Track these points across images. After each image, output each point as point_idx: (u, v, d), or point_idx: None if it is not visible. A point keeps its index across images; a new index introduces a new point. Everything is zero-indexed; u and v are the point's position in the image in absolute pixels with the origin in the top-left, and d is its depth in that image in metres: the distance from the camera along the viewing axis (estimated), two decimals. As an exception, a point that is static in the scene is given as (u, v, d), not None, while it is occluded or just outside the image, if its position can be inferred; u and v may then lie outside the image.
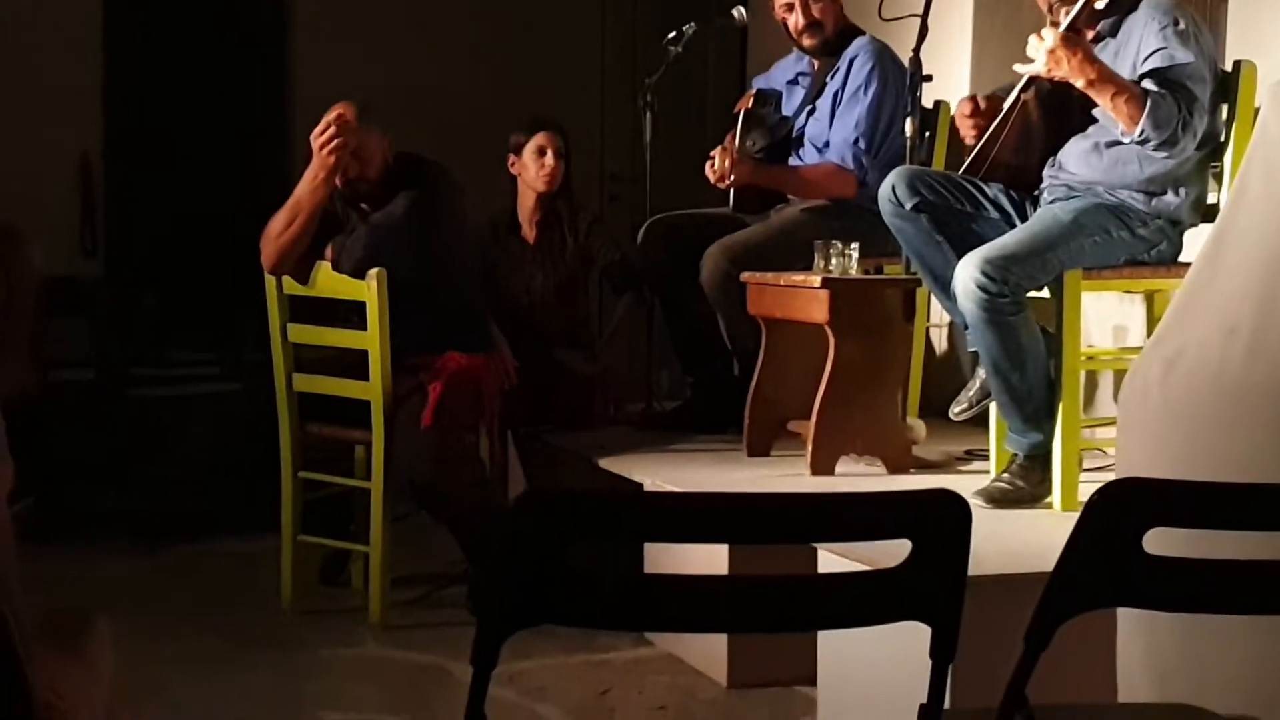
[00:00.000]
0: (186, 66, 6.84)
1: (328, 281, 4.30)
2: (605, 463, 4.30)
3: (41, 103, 6.35)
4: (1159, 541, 1.76)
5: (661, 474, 4.06)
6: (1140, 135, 3.45)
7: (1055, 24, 3.55)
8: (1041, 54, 3.41)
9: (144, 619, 4.09)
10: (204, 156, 6.78)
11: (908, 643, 1.91)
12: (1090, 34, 3.64)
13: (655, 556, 3.87)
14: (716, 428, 4.64)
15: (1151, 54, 3.53)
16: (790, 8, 4.64)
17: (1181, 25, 3.54)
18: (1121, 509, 1.75)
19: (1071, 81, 3.46)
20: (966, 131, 3.79)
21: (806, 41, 4.67)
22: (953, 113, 4.01)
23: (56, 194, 6.47)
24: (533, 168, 4.96)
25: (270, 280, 4.38)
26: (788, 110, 4.76)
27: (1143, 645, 2.59)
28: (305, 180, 4.28)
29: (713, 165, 4.58)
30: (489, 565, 4.16)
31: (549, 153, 4.94)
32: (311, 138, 4.24)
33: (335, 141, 4.19)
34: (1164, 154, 3.52)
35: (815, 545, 3.09)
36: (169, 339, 6.17)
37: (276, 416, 4.43)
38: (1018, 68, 3.51)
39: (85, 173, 6.60)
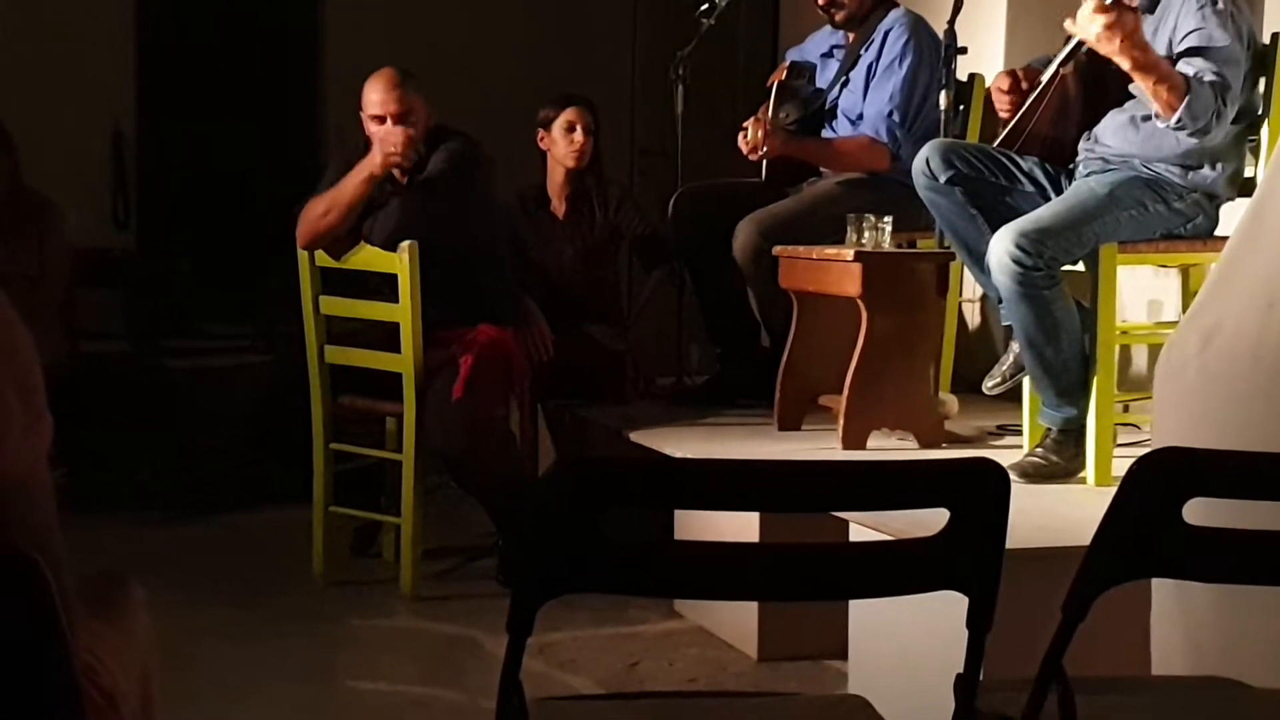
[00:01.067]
0: (218, 39, 6.85)
1: (359, 254, 4.31)
2: (635, 436, 4.30)
3: (74, 76, 6.37)
4: (1199, 512, 1.75)
5: (691, 447, 4.06)
6: (1176, 123, 3.42)
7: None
8: (1097, 26, 3.36)
9: (177, 589, 4.11)
10: (235, 128, 6.80)
11: (939, 614, 1.91)
12: (1129, 7, 3.61)
13: (686, 525, 3.87)
14: (746, 399, 4.63)
15: (1189, 34, 3.50)
16: None
17: (1220, 4, 3.51)
18: (1162, 479, 1.74)
19: (1116, 60, 3.42)
20: (1002, 107, 3.76)
21: (835, 17, 4.65)
22: (989, 85, 3.98)
23: (89, 166, 6.50)
24: (562, 143, 4.95)
25: (303, 253, 4.39)
26: (822, 83, 4.74)
27: (1178, 618, 2.58)
28: (354, 176, 4.26)
29: (745, 136, 4.56)
30: (521, 534, 4.17)
31: (578, 129, 4.93)
32: (381, 141, 4.20)
33: (400, 156, 4.18)
34: (1194, 141, 3.51)
35: (848, 516, 3.08)
36: (201, 310, 6.20)
37: (308, 388, 4.44)
38: (1068, 25, 3.46)
39: (117, 145, 6.62)
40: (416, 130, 4.31)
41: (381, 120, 4.30)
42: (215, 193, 6.76)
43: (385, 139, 4.21)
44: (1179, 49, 3.50)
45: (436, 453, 4.25)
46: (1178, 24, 3.53)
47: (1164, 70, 3.42)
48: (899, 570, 1.78)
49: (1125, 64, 3.41)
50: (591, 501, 1.69)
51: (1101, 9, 3.33)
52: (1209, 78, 3.43)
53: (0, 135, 5.26)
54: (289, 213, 4.43)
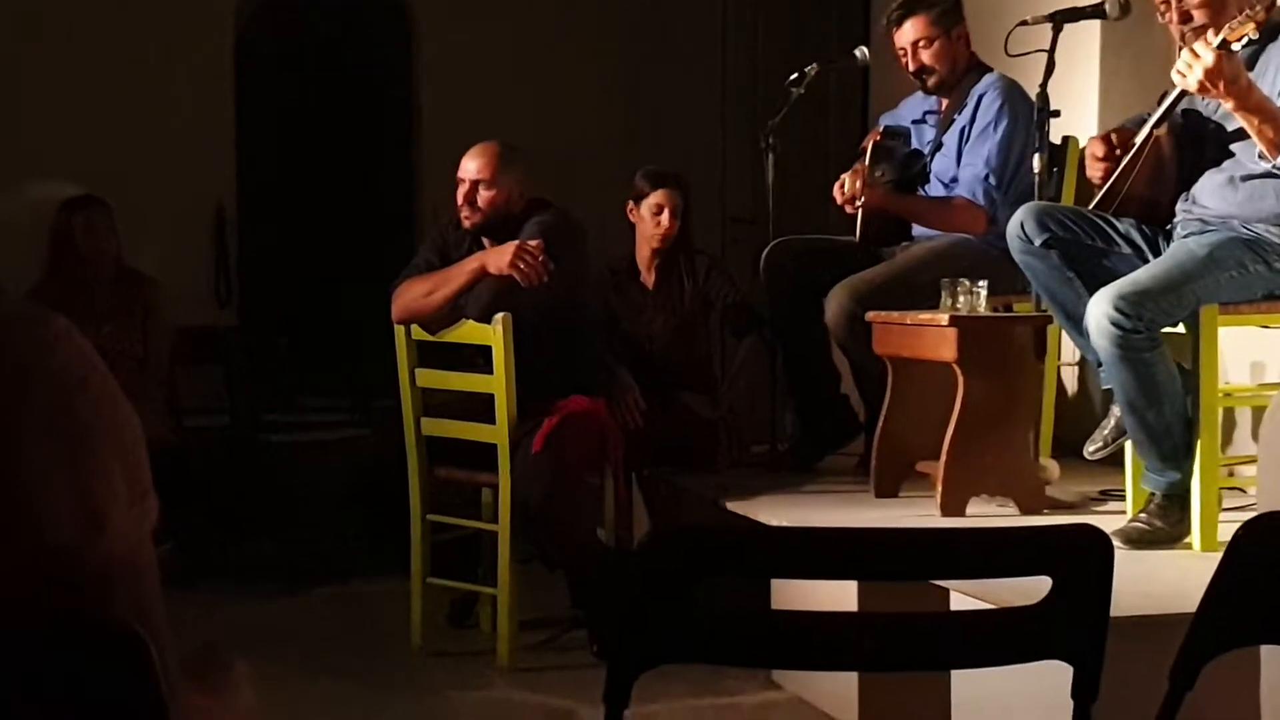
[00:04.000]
0: (316, 118, 7.00)
1: (458, 329, 4.35)
2: (731, 505, 4.28)
3: (176, 157, 6.52)
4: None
5: (787, 515, 4.03)
6: None
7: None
8: (1198, 71, 3.33)
9: (277, 661, 4.12)
10: (333, 207, 6.92)
11: (1044, 683, 1.87)
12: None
13: (783, 594, 3.84)
14: (833, 451, 4.67)
15: (1288, 84, 3.47)
16: (903, 52, 4.63)
17: (1321, 55, 3.48)
18: (1267, 544, 1.71)
19: (1222, 102, 3.39)
20: (1095, 174, 3.73)
21: (927, 83, 4.66)
22: (1082, 147, 3.96)
23: (192, 245, 6.64)
24: (649, 223, 4.98)
25: (399, 328, 4.44)
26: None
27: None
28: (467, 264, 4.36)
29: (842, 186, 4.56)
30: (605, 604, 4.18)
31: (665, 211, 4.95)
32: (518, 248, 4.25)
33: (528, 266, 4.23)
34: None
35: (948, 584, 3.04)
36: (300, 385, 6.29)
37: (405, 460, 4.48)
38: (1175, 75, 3.42)
39: (219, 224, 6.76)
40: (497, 199, 4.38)
41: (463, 184, 4.39)
42: (314, 269, 6.88)
43: (524, 249, 4.26)
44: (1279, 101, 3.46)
45: (519, 511, 4.24)
46: (1276, 78, 3.50)
47: (1269, 110, 3.39)
48: (1002, 640, 1.76)
49: (1229, 105, 3.37)
50: (688, 571, 1.68)
51: (1210, 54, 3.30)
52: None
53: (105, 216, 5.40)
54: (385, 289, 4.49)
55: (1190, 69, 3.33)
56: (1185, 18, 3.58)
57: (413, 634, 4.49)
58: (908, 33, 4.60)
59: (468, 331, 4.32)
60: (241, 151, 6.85)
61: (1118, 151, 3.68)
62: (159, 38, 6.57)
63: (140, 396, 4.88)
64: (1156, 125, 3.62)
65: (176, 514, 4.76)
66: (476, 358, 4.39)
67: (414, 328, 4.42)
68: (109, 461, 1.32)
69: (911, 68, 4.63)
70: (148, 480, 1.35)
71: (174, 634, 1.50)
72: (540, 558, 4.40)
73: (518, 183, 4.45)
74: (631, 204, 5.02)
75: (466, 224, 4.43)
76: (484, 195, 4.40)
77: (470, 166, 4.42)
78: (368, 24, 7.16)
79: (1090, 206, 3.73)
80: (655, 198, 4.95)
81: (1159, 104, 3.69)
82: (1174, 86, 3.51)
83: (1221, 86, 3.31)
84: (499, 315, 4.21)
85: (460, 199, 4.42)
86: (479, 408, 4.32)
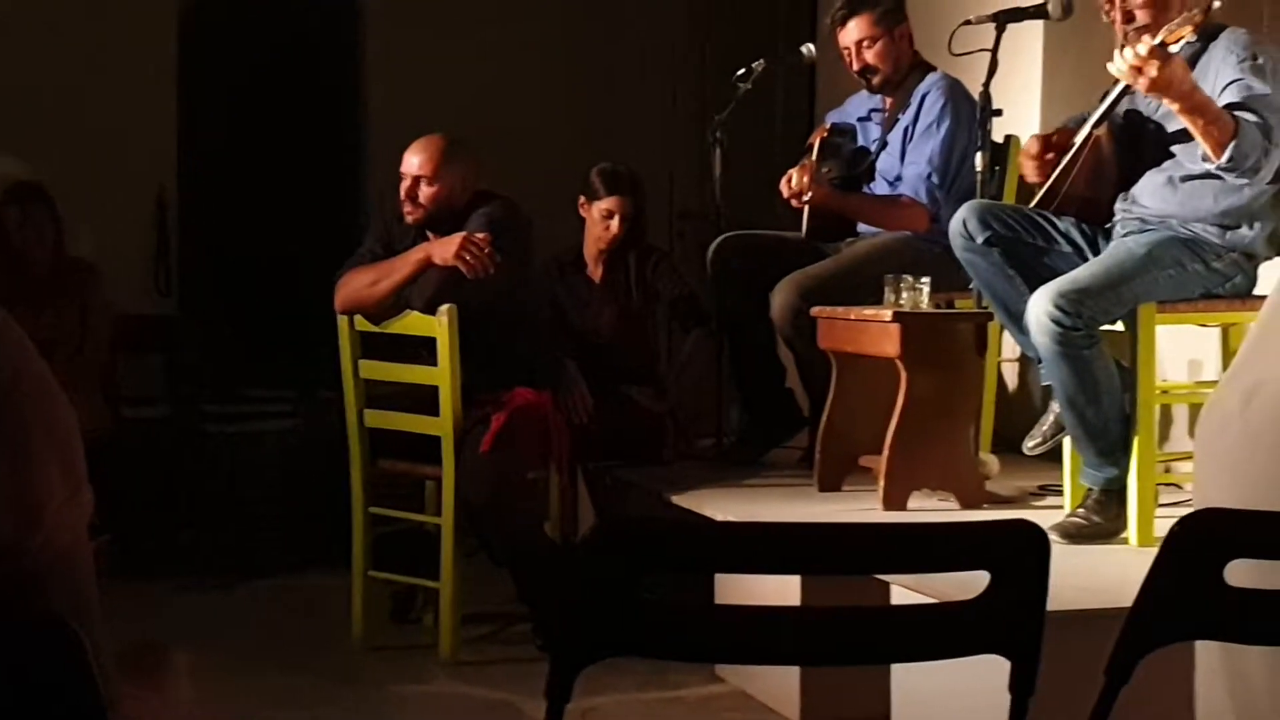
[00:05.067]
0: (260, 105, 6.93)
1: (403, 320, 4.33)
2: (676, 498, 4.29)
3: (117, 143, 6.45)
4: (1241, 574, 1.73)
5: (732, 509, 4.05)
6: (1227, 161, 3.41)
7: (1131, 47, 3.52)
8: (1151, 72, 3.34)
9: (217, 655, 4.09)
10: (277, 195, 6.86)
11: (983, 677, 1.89)
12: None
13: (725, 588, 3.85)
14: (778, 446, 4.68)
15: (1229, 85, 3.51)
16: (847, 51, 4.65)
17: (1260, 60, 3.52)
18: (1202, 540, 1.73)
19: (1166, 102, 3.42)
20: (1030, 173, 3.77)
21: (871, 82, 4.68)
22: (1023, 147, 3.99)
23: (132, 233, 6.56)
24: (597, 226, 4.97)
25: (342, 318, 4.42)
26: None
27: (1223, 679, 2.54)
28: (412, 254, 4.34)
29: (789, 182, 4.58)
30: (550, 598, 4.18)
31: (615, 218, 4.94)
32: (464, 240, 4.24)
33: (474, 258, 4.22)
34: (1244, 182, 3.50)
35: (889, 578, 3.07)
36: (241, 375, 6.23)
37: (347, 452, 4.46)
38: (1110, 67, 3.45)
39: (160, 212, 6.69)
40: (440, 194, 4.36)
41: (406, 179, 4.37)
42: (256, 258, 6.82)
43: (470, 242, 4.24)
44: (1221, 102, 3.50)
45: (463, 506, 4.23)
46: (1216, 78, 3.54)
47: (1213, 111, 3.43)
48: (940, 634, 1.77)
49: (1175, 106, 3.41)
50: (631, 565, 1.69)
51: (1152, 55, 3.33)
52: (1254, 119, 3.43)
53: (45, 204, 5.33)
54: (329, 278, 4.47)
55: (1136, 70, 3.35)
56: (1128, 17, 3.62)
57: (354, 627, 4.48)
58: (851, 32, 4.62)
59: (412, 323, 4.30)
60: (184, 138, 6.78)
61: (1049, 156, 3.71)
62: (101, 21, 6.49)
63: (78, 386, 4.83)
64: (1096, 125, 3.66)
65: (115, 505, 4.73)
66: (420, 350, 4.37)
67: (357, 318, 4.40)
68: (44, 456, 1.31)
69: (855, 67, 4.65)
70: (83, 473, 1.35)
71: (111, 627, 1.50)
72: (485, 552, 4.39)
73: (462, 177, 4.42)
74: (584, 199, 5.00)
75: (409, 219, 4.41)
76: (426, 191, 4.38)
77: (413, 162, 4.39)
78: (315, 9, 7.10)
79: (1031, 205, 3.76)
80: (607, 203, 4.93)
81: (1099, 103, 3.73)
82: (1114, 86, 3.54)
83: (1166, 87, 3.34)
84: (444, 307, 4.20)
85: (403, 194, 4.40)
86: (423, 399, 4.31)
